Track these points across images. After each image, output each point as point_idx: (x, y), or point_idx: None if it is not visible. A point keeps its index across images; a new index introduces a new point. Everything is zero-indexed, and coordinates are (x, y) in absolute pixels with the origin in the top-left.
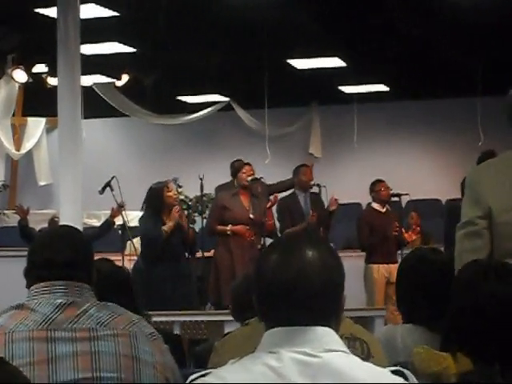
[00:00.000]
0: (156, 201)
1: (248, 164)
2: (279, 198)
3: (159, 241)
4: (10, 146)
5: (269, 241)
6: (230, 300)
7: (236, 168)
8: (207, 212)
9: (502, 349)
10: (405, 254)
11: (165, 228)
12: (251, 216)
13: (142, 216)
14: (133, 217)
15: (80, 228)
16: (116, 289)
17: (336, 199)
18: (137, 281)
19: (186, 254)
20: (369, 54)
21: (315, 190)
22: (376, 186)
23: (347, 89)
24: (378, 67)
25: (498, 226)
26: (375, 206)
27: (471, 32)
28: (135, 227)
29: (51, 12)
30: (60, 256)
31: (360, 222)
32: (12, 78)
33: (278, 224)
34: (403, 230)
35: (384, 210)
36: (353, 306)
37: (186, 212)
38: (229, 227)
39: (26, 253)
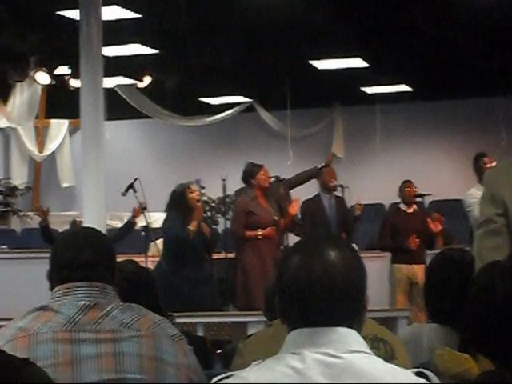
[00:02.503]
0: (180, 203)
1: (262, 166)
2: (303, 200)
3: (187, 240)
4: (33, 147)
5: (291, 242)
6: (262, 300)
7: (250, 172)
8: (230, 213)
9: None
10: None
11: (191, 227)
12: (275, 218)
13: (167, 218)
14: (155, 218)
15: (103, 230)
16: (139, 289)
17: (360, 204)
18: (160, 282)
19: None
20: (391, 54)
21: (338, 190)
22: (401, 186)
23: (369, 89)
24: (400, 68)
25: None
26: (402, 206)
27: (493, 32)
28: (158, 228)
29: (73, 14)
30: (82, 257)
31: (383, 223)
32: (35, 80)
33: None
34: (430, 221)
35: (411, 210)
36: (375, 307)
37: (208, 213)
38: (260, 231)
39: (48, 254)
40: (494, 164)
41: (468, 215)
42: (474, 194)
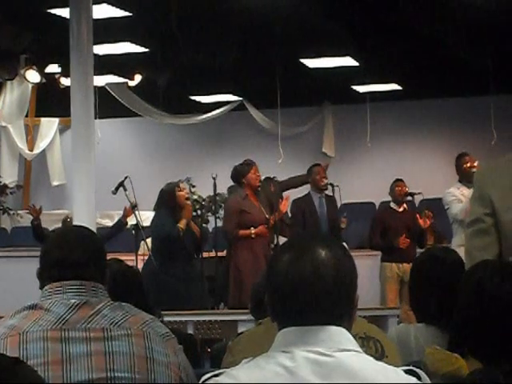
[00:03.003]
0: (169, 201)
1: (252, 164)
2: (294, 198)
3: (177, 238)
4: (23, 146)
5: (282, 240)
6: (250, 298)
7: (241, 171)
8: (221, 212)
9: (508, 349)
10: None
11: (180, 225)
12: (267, 216)
13: (156, 216)
14: (146, 217)
15: (93, 228)
16: (127, 288)
17: (345, 217)
18: (149, 280)
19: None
20: (381, 53)
21: (329, 189)
22: (392, 185)
23: (360, 88)
24: (390, 66)
25: (501, 224)
26: (392, 204)
27: (484, 30)
28: (148, 227)
29: (64, 12)
30: (73, 256)
31: (373, 221)
32: (25, 78)
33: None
34: (418, 217)
35: (401, 209)
36: (366, 306)
37: (198, 212)
38: (253, 230)
39: (38, 253)
40: (475, 164)
41: (447, 213)
42: (452, 193)
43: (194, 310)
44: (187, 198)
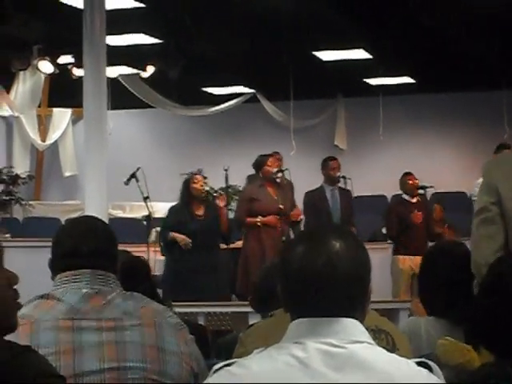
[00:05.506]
0: (183, 192)
1: (272, 155)
2: (306, 191)
3: (164, 239)
4: (35, 136)
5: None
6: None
7: (259, 162)
8: (232, 204)
9: None
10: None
11: (195, 214)
12: (280, 206)
13: (172, 206)
14: (158, 208)
15: (105, 219)
16: (134, 278)
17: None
18: (165, 271)
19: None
20: (395, 46)
21: (341, 182)
22: (402, 179)
23: (373, 81)
24: (403, 59)
25: (507, 212)
26: (405, 196)
27: (498, 24)
28: (160, 218)
29: (77, 3)
30: (84, 245)
31: (388, 213)
32: (38, 68)
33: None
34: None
35: (415, 200)
36: (378, 299)
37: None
38: (259, 218)
39: (50, 243)
40: None
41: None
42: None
43: (204, 301)
44: (201, 191)
